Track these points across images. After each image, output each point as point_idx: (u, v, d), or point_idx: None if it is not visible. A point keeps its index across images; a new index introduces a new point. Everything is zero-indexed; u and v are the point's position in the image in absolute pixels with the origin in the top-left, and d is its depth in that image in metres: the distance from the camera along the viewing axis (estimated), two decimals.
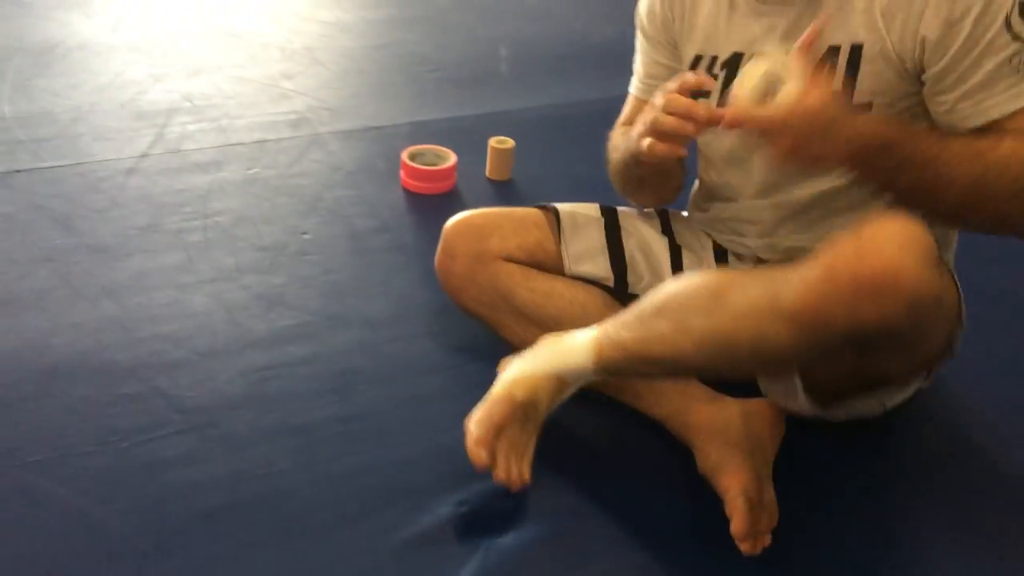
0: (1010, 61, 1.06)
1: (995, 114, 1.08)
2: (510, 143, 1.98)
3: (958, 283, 1.26)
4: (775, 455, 1.28)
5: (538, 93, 2.36)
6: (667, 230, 1.45)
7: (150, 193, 1.83)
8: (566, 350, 1.24)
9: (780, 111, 1.06)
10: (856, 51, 1.13)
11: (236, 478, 1.25)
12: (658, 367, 1.18)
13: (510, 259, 1.40)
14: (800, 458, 1.31)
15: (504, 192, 1.96)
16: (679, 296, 1.14)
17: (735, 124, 1.09)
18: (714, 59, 1.26)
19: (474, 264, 1.40)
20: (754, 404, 1.30)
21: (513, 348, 1.40)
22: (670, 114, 1.12)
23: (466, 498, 1.23)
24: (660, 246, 1.43)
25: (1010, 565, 1.22)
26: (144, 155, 1.96)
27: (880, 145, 1.09)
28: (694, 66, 1.28)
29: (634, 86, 1.41)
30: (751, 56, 1.21)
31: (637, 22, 1.38)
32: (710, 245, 1.42)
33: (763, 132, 1.08)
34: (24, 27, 2.50)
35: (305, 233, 1.76)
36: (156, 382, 1.39)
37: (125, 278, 1.60)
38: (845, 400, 1.26)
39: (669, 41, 1.33)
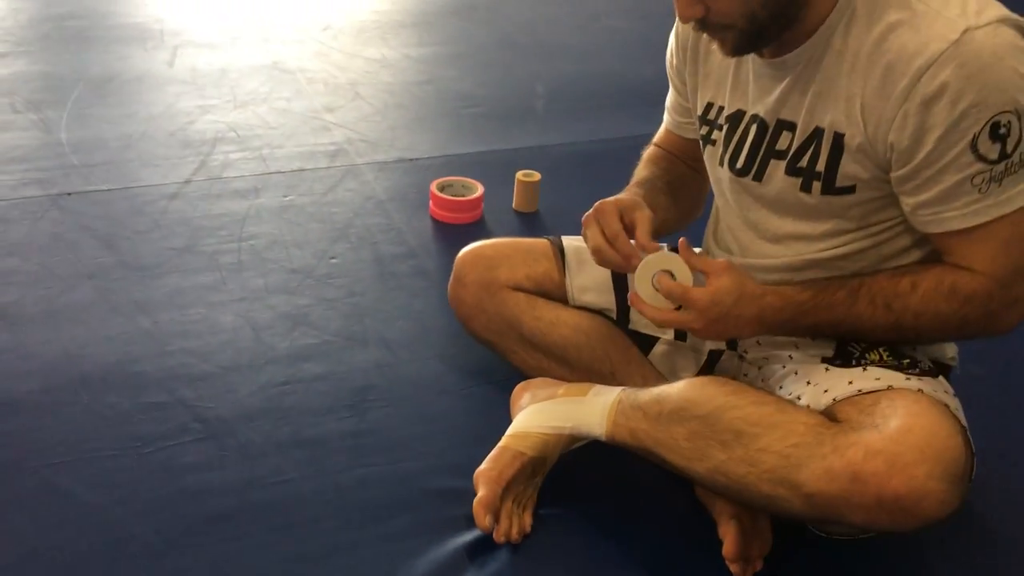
0: (972, 180, 1.06)
1: (954, 226, 1.09)
2: (536, 176, 2.04)
3: (972, 443, 1.14)
4: None
5: (569, 130, 2.42)
6: None
7: (190, 217, 1.93)
8: (582, 414, 1.30)
9: (689, 301, 1.17)
10: (839, 139, 1.14)
11: (248, 485, 1.31)
12: (665, 466, 1.22)
13: (518, 288, 1.45)
14: None
15: (530, 224, 2.01)
16: (702, 410, 1.16)
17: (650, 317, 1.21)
18: (720, 109, 1.30)
19: (483, 293, 1.45)
20: None
21: (521, 374, 1.45)
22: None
23: (469, 513, 1.27)
24: None
25: None
26: (187, 181, 2.06)
27: (790, 316, 1.17)
28: (705, 112, 1.32)
29: (666, 118, 1.47)
30: (752, 116, 1.23)
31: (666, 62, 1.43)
32: None
33: (675, 322, 1.21)
34: (86, 60, 2.64)
35: (333, 258, 1.83)
36: (180, 393, 1.46)
37: (160, 295, 1.68)
38: None
39: (682, 82, 1.38)
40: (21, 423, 1.39)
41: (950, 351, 1.30)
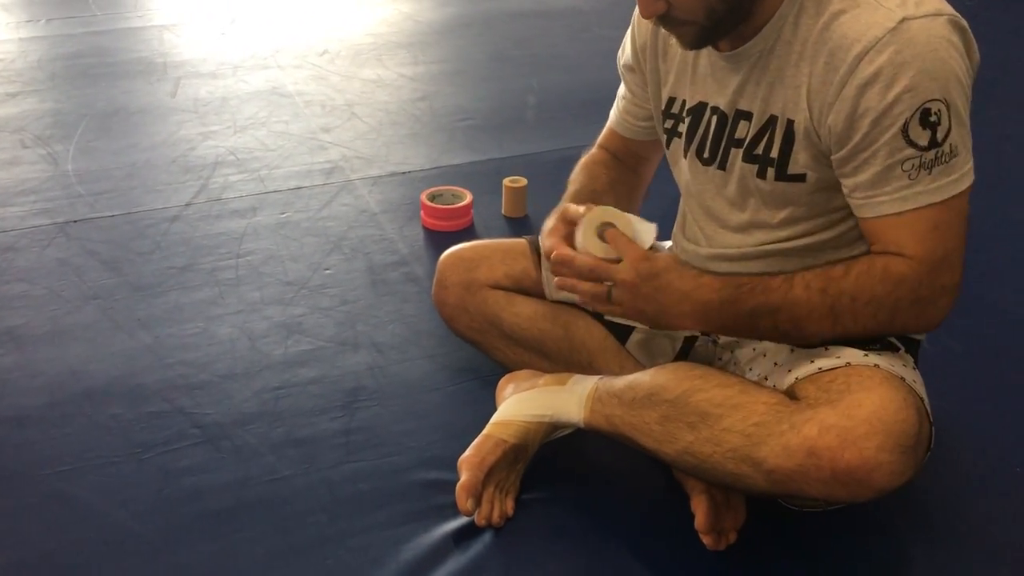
0: (902, 165, 1.09)
1: (885, 211, 1.12)
2: (523, 182, 2.09)
3: (930, 415, 1.19)
4: None
5: (558, 137, 2.48)
6: None
7: (190, 237, 2.00)
8: (561, 403, 1.34)
9: (622, 266, 1.18)
10: (790, 125, 1.18)
11: (242, 484, 1.37)
12: (639, 450, 1.26)
13: (498, 287, 1.50)
14: None
15: (518, 228, 2.06)
16: (671, 394, 1.20)
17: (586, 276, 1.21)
18: (683, 103, 1.33)
19: (464, 293, 1.51)
20: None
21: (505, 369, 1.50)
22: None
23: (454, 501, 1.32)
24: None
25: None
26: (188, 204, 2.13)
27: (728, 297, 1.18)
28: (668, 107, 1.35)
29: (611, 114, 1.49)
30: (712, 107, 1.27)
31: (617, 63, 1.48)
32: None
33: (594, 300, 1.23)
34: (92, 96, 2.74)
35: (327, 269, 1.89)
36: (179, 402, 1.52)
37: (160, 312, 1.75)
38: None
39: (639, 82, 1.41)
40: (29, 435, 1.46)
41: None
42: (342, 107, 2.67)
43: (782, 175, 1.21)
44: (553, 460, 1.39)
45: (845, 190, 1.17)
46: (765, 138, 1.21)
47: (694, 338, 1.41)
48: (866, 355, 1.18)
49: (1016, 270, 1.91)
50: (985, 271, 1.87)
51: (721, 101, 1.26)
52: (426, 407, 1.53)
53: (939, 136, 1.08)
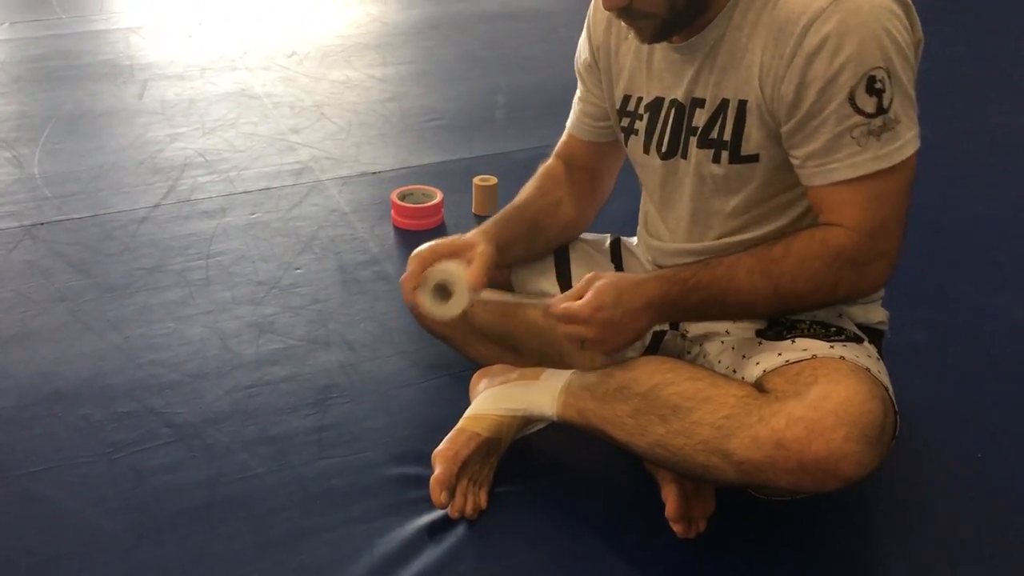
0: (851, 132, 1.12)
1: (837, 177, 1.15)
2: (493, 180, 2.11)
3: (895, 404, 1.20)
4: None
5: (528, 136, 2.49)
6: (616, 259, 1.53)
7: (159, 238, 1.99)
8: (534, 397, 1.36)
9: (572, 314, 1.21)
10: (742, 105, 1.21)
11: (215, 482, 1.37)
12: (611, 442, 1.28)
13: None
14: None
15: None
16: (643, 387, 1.23)
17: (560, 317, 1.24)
18: (639, 100, 1.35)
19: None
20: None
21: (478, 365, 1.51)
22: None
23: (428, 493, 1.33)
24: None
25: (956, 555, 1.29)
26: (156, 205, 2.12)
27: (677, 295, 1.21)
28: (623, 105, 1.37)
29: (569, 120, 1.50)
30: (671, 100, 1.29)
31: (574, 65, 1.49)
32: None
33: (568, 335, 1.24)
34: (58, 98, 2.72)
35: (298, 268, 1.90)
36: (150, 402, 1.52)
37: (130, 313, 1.75)
38: None
39: (595, 82, 1.43)
40: None
41: (876, 315, 1.35)
42: (311, 108, 2.67)
43: (735, 157, 1.23)
44: (526, 453, 1.40)
45: (796, 162, 1.19)
46: (718, 122, 1.24)
47: (663, 332, 1.43)
48: (831, 347, 1.20)
49: (976, 261, 1.95)
50: (946, 263, 1.91)
51: (678, 93, 1.28)
52: (399, 403, 1.53)
53: (885, 103, 1.11)
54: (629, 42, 1.33)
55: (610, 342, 1.23)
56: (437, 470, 1.30)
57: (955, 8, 3.46)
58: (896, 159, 1.13)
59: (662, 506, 1.27)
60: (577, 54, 1.45)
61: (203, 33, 3.30)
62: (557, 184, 1.48)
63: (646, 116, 1.33)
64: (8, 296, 1.79)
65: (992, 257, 1.96)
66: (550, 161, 1.51)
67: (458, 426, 1.37)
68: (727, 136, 1.22)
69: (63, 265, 1.89)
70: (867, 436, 1.08)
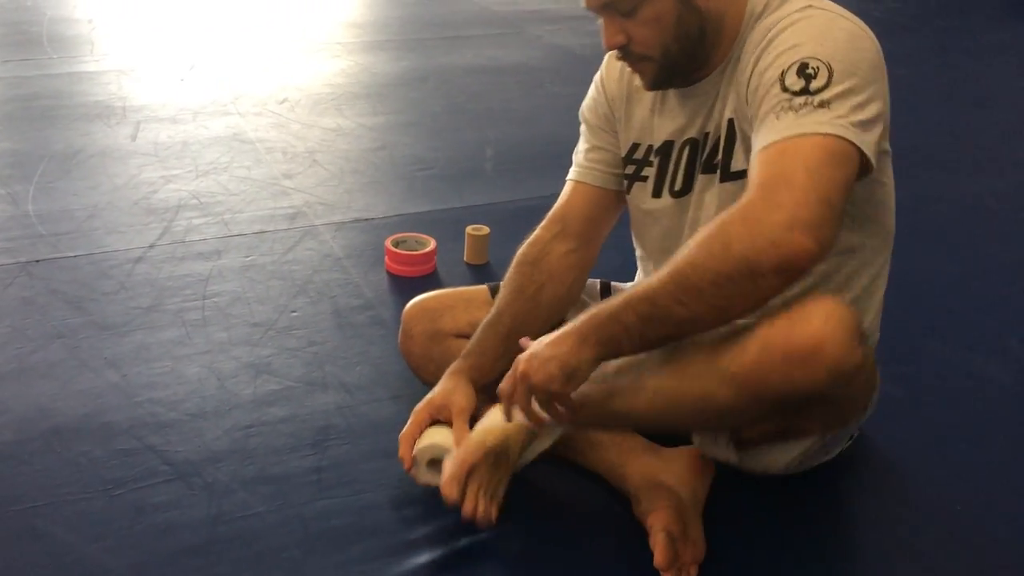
0: (774, 109, 1.15)
1: (756, 148, 1.15)
2: (485, 230, 2.16)
3: (874, 363, 1.27)
4: (705, 496, 1.40)
5: (517, 188, 2.55)
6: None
7: (155, 278, 2.01)
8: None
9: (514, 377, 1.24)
10: (731, 124, 1.28)
11: (215, 520, 1.38)
12: (614, 420, 1.31)
13: (461, 335, 1.53)
14: (730, 502, 1.43)
15: (480, 275, 2.12)
16: (637, 359, 1.25)
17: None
18: (649, 147, 1.42)
19: (430, 343, 1.55)
20: (684, 452, 1.42)
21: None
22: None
23: (427, 534, 1.35)
24: None
25: None
26: (152, 245, 2.15)
27: (605, 313, 1.16)
28: (630, 153, 1.44)
29: (574, 171, 1.54)
30: (684, 140, 1.36)
31: (581, 116, 1.55)
32: None
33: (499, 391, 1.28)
34: (51, 137, 2.74)
35: (294, 311, 1.92)
36: (149, 440, 1.53)
37: (127, 351, 1.76)
38: (761, 446, 1.38)
39: (611, 130, 1.50)
40: None
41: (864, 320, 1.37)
42: (303, 154, 2.72)
43: (726, 175, 1.30)
44: (525, 500, 1.43)
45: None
46: (714, 146, 1.31)
47: None
48: None
49: (952, 322, 2.01)
50: (922, 323, 1.97)
51: (693, 132, 1.35)
52: (395, 446, 1.54)
53: (812, 87, 1.14)
54: (640, 93, 1.39)
55: (537, 372, 1.19)
56: (448, 470, 1.32)
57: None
58: (807, 129, 1.11)
59: (651, 556, 1.30)
60: (584, 106, 1.51)
61: (195, 77, 3.34)
62: (537, 264, 1.49)
63: (656, 160, 1.40)
64: (5, 331, 1.80)
65: (965, 317, 2.03)
66: (536, 233, 1.52)
67: (466, 438, 1.38)
68: (719, 158, 1.29)
69: (59, 302, 1.91)
70: (845, 324, 1.11)
